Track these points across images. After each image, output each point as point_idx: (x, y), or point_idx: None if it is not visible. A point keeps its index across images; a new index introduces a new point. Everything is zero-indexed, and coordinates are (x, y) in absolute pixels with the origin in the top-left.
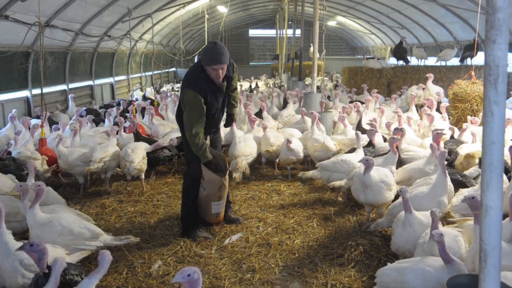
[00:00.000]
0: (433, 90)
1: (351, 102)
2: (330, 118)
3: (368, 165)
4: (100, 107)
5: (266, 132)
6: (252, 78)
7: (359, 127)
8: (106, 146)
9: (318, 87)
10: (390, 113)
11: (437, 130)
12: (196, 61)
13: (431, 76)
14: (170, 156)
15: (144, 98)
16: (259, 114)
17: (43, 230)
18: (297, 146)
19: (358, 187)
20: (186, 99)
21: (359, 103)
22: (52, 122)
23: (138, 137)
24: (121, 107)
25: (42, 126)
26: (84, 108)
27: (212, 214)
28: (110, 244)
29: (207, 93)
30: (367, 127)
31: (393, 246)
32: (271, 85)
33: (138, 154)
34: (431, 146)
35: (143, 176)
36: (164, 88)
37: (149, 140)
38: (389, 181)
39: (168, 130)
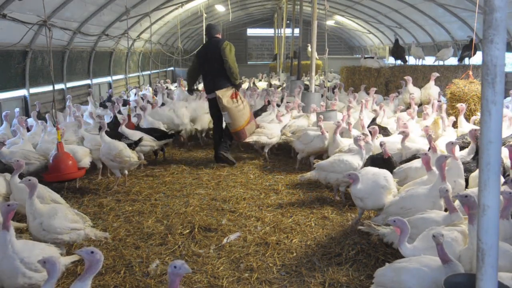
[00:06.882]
0: (434, 89)
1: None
2: (335, 117)
3: (354, 180)
4: (101, 104)
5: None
6: (254, 78)
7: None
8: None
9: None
10: (390, 112)
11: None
12: None
13: (434, 75)
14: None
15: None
16: (262, 110)
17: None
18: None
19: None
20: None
21: (363, 102)
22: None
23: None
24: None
25: (57, 128)
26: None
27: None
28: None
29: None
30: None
31: None
32: (268, 86)
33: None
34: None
35: (126, 172)
36: (172, 87)
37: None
38: (390, 186)
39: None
